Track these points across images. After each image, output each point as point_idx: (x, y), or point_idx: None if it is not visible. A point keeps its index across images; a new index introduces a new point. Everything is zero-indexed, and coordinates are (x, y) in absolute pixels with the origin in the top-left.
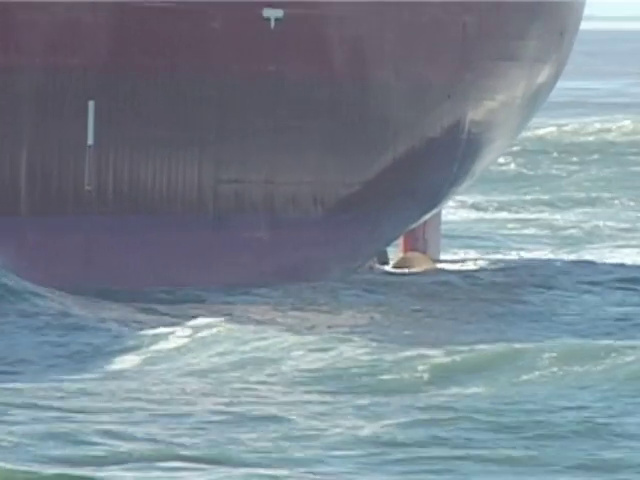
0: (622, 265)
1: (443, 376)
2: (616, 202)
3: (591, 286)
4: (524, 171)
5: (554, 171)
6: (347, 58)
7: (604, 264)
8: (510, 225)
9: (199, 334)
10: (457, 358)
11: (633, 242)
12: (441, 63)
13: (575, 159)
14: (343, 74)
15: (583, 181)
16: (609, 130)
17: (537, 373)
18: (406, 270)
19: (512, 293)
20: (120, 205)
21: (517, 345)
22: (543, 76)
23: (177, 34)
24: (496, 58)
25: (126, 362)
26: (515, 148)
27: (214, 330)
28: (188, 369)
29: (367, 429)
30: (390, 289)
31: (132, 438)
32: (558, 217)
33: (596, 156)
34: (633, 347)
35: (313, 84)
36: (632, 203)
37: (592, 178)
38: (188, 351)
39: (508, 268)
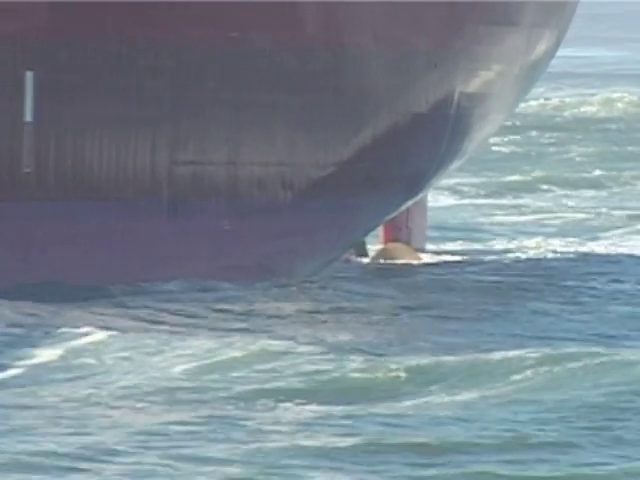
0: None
1: (418, 381)
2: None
3: (588, 281)
4: (504, 150)
5: (536, 149)
6: (320, 22)
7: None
8: (499, 212)
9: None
10: (432, 363)
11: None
12: (427, 28)
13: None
14: (316, 40)
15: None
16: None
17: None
18: (387, 262)
19: (505, 294)
20: (63, 190)
21: (497, 353)
22: (543, 43)
23: None
24: (490, 23)
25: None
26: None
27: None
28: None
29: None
30: (367, 285)
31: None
32: (543, 204)
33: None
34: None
35: (282, 52)
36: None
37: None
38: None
39: (499, 262)
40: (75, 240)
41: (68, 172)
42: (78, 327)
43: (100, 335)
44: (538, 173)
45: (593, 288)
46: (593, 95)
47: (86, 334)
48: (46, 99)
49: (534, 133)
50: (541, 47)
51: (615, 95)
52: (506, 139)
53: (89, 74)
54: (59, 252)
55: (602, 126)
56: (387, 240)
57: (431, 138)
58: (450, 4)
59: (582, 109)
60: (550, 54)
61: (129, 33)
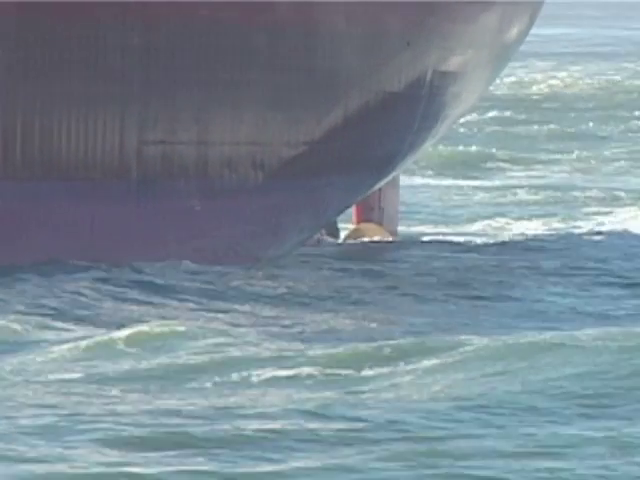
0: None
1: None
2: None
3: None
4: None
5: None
6: (291, 0)
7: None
8: (478, 193)
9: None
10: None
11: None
12: (399, 6)
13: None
14: (286, 18)
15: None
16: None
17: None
18: (359, 241)
19: (482, 279)
20: (30, 170)
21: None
22: (516, 21)
23: None
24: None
25: None
26: None
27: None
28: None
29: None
30: (336, 267)
31: None
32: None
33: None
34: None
35: (251, 29)
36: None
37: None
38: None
39: (477, 245)
40: (42, 221)
41: (35, 152)
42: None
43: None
44: (495, 150)
45: (575, 267)
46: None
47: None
48: (11, 77)
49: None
50: (515, 25)
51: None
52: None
53: (56, 51)
54: (25, 234)
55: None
56: (359, 220)
57: (403, 117)
58: None
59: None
60: (524, 32)
61: (98, 11)
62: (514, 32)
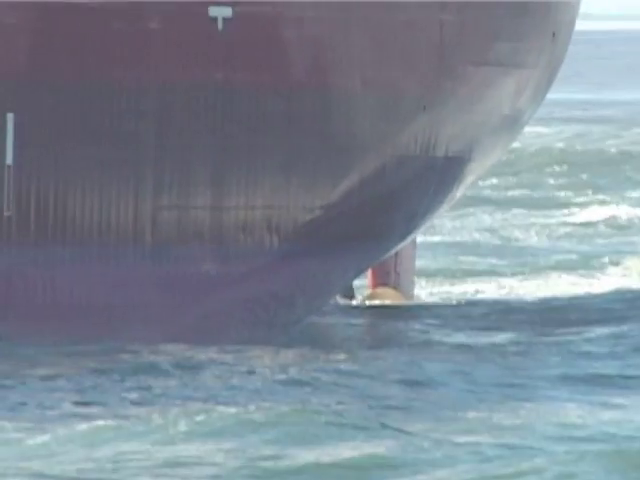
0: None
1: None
2: None
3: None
4: None
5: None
6: (306, 64)
7: None
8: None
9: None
10: None
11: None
12: (415, 69)
13: None
14: (302, 83)
15: None
16: None
17: None
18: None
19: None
20: (44, 234)
21: None
22: (533, 84)
23: (109, 37)
24: (479, 63)
25: None
26: None
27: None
28: None
29: None
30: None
31: None
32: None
33: None
34: None
35: (267, 94)
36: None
37: None
38: None
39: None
40: (57, 286)
41: (49, 216)
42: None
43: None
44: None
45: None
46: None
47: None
48: (27, 142)
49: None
50: (531, 88)
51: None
52: None
53: (71, 117)
54: (40, 299)
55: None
56: (375, 285)
57: (419, 182)
58: (439, 45)
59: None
60: (541, 94)
61: (112, 76)
62: (530, 94)
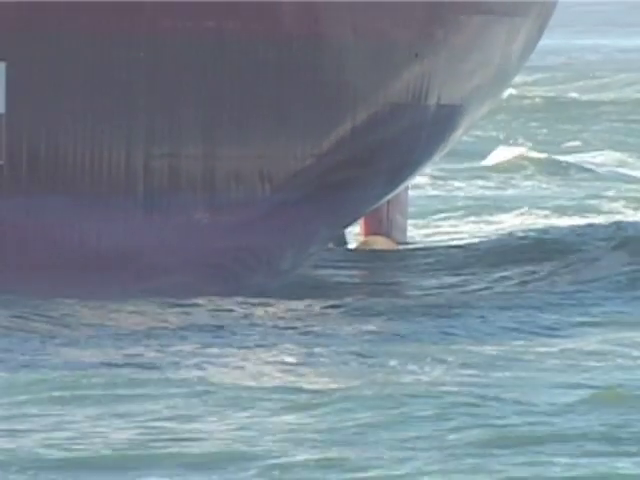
0: None
1: None
2: None
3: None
4: None
5: None
6: (297, 14)
7: None
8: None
9: None
10: None
11: None
12: (406, 17)
13: None
14: (293, 32)
15: None
16: None
17: None
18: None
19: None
20: (36, 185)
21: None
22: (524, 33)
23: None
24: (470, 11)
25: None
26: None
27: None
28: None
29: None
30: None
31: None
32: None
33: None
34: None
35: (259, 43)
36: None
37: None
38: None
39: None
40: (49, 234)
41: (41, 165)
42: None
43: None
44: None
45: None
46: None
47: None
48: (19, 90)
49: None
50: (522, 37)
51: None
52: None
53: (64, 66)
54: (32, 247)
55: None
56: (367, 233)
57: (412, 129)
58: None
59: None
60: (533, 42)
61: (103, 25)
62: (522, 44)
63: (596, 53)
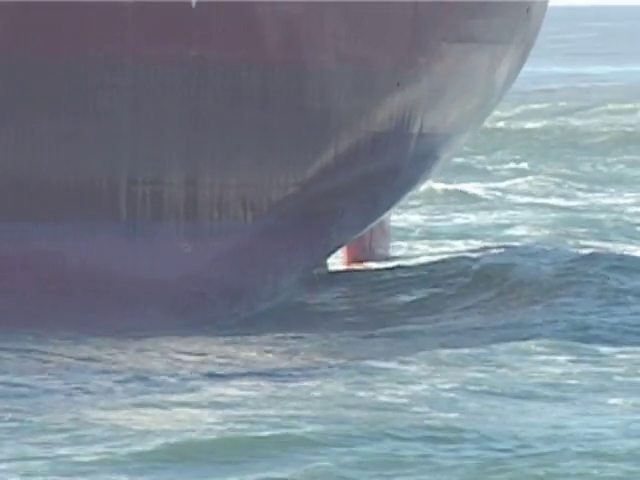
0: None
1: None
2: None
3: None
4: None
5: None
6: (281, 40)
7: None
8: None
9: None
10: None
11: None
12: (389, 46)
13: None
14: (276, 59)
15: None
16: None
17: None
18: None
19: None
20: (20, 210)
21: None
22: (507, 60)
23: (83, 12)
24: (452, 39)
25: None
26: None
27: None
28: None
29: None
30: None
31: None
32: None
33: None
34: None
35: (242, 70)
36: None
37: None
38: None
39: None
40: (31, 264)
41: (23, 190)
42: None
43: None
44: None
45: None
46: None
47: None
48: (1, 116)
49: None
50: (505, 64)
51: None
52: None
53: (45, 92)
54: (11, 275)
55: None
56: (349, 261)
57: (394, 158)
58: (412, 21)
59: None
60: (515, 71)
61: (87, 51)
62: (504, 71)
63: None
